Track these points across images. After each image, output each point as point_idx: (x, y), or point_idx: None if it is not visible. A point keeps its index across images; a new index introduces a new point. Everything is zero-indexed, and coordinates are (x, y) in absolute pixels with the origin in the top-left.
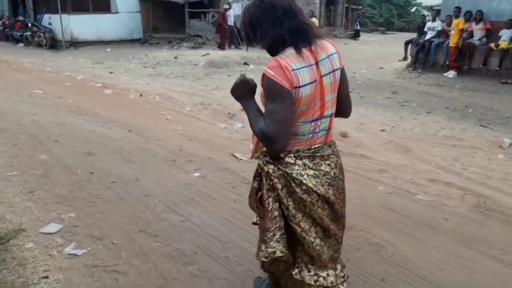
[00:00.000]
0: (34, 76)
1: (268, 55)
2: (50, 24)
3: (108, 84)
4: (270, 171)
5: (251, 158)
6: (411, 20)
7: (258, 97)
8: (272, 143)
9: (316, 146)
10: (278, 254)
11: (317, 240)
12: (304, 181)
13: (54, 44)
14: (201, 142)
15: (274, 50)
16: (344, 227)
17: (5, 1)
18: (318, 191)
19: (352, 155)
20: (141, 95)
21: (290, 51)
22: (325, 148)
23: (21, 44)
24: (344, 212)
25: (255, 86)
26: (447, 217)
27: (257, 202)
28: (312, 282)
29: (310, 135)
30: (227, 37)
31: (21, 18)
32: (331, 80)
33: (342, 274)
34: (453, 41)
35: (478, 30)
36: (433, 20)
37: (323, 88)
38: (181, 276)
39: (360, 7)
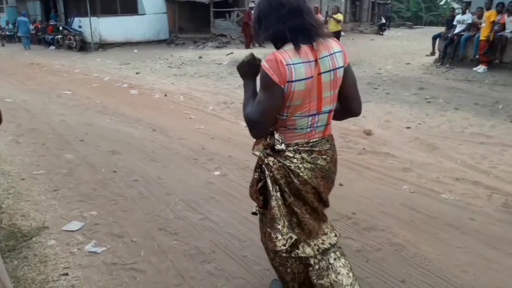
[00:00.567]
0: (64, 78)
1: None
2: (80, 27)
3: (134, 84)
4: (270, 163)
5: (252, 150)
6: (439, 13)
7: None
8: (253, 128)
9: (314, 140)
10: (294, 237)
11: (307, 216)
12: (301, 174)
13: (83, 46)
14: (223, 141)
15: (275, 44)
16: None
17: (38, 5)
18: (312, 183)
19: (376, 153)
20: (165, 95)
21: (289, 47)
22: (323, 143)
23: (52, 47)
24: (327, 197)
25: (259, 68)
26: (473, 217)
27: (257, 192)
28: (316, 252)
29: (309, 129)
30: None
31: (52, 22)
32: (331, 77)
33: (333, 234)
34: (484, 34)
35: (510, 22)
36: (463, 13)
37: (321, 85)
38: (199, 275)
39: (389, 1)
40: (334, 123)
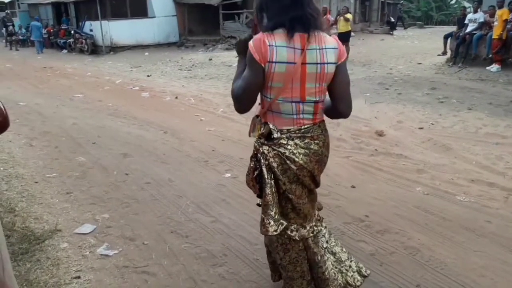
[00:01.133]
0: (76, 81)
1: None
2: (91, 30)
3: (145, 87)
4: (266, 151)
5: (249, 135)
6: (450, 12)
7: None
8: (237, 102)
9: (305, 126)
10: (285, 224)
11: (305, 200)
12: (297, 159)
13: (95, 49)
14: (233, 143)
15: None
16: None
17: (49, 10)
18: (308, 167)
19: (388, 154)
20: (176, 97)
21: (279, 30)
22: (314, 128)
23: (64, 51)
24: (319, 178)
25: None
26: (489, 220)
27: (253, 180)
28: (313, 234)
29: (295, 116)
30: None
31: (64, 26)
32: (317, 70)
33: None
34: (496, 32)
35: None
36: (475, 11)
37: (305, 74)
38: (210, 278)
39: (401, 1)
40: (345, 124)
